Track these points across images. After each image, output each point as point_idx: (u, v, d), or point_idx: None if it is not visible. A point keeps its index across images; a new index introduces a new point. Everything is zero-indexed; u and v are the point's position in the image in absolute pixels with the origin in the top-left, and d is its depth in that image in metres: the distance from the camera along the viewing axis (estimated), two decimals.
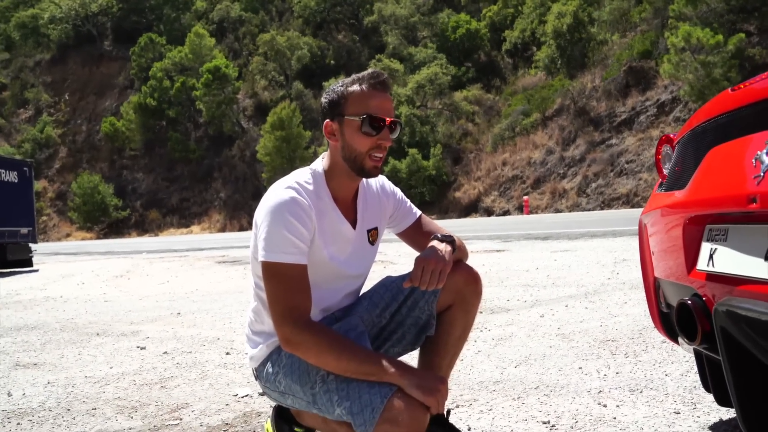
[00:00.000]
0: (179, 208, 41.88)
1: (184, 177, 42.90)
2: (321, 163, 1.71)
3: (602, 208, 22.89)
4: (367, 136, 1.60)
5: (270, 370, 1.67)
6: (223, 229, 37.24)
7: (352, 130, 1.60)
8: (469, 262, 1.42)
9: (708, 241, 1.48)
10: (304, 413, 1.70)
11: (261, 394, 2.63)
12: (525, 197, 25.59)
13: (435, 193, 29.96)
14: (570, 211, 23.79)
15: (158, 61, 43.84)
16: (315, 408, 1.57)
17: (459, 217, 27.84)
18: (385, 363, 1.47)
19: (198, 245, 18.41)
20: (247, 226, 38.06)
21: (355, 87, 1.61)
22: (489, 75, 36.67)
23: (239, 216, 37.66)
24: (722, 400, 1.68)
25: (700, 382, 1.98)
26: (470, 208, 28.61)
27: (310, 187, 1.64)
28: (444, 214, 28.68)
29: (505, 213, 26.66)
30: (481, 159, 30.21)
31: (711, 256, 1.44)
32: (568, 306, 4.15)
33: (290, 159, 33.87)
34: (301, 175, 1.67)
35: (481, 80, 36.17)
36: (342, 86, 1.63)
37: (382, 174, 1.82)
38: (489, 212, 27.46)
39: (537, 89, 30.62)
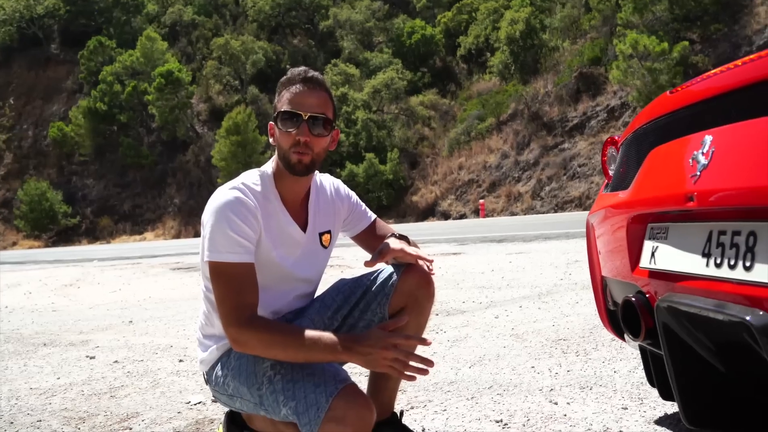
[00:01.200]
0: (132, 214, 40.91)
1: (137, 183, 41.93)
2: (270, 165, 1.70)
3: (556, 211, 23.33)
4: (287, 132, 1.59)
5: (219, 373, 1.65)
6: (177, 236, 36.52)
7: (278, 128, 1.61)
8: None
9: (650, 239, 1.52)
10: (254, 417, 1.68)
11: (214, 401, 2.59)
12: (481, 201, 25.88)
13: (392, 198, 30.05)
14: (525, 214, 24.17)
15: (108, 65, 42.74)
16: (262, 410, 1.56)
17: (416, 221, 27.98)
18: (332, 345, 1.45)
19: (151, 252, 18.01)
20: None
21: (282, 87, 1.63)
22: (444, 80, 37.03)
23: (194, 222, 36.95)
24: (666, 395, 1.73)
25: (646, 378, 2.03)
26: (427, 212, 28.79)
27: (258, 188, 1.63)
28: (401, 218, 28.79)
29: (462, 216, 26.92)
30: (437, 163, 30.45)
31: (653, 254, 1.48)
32: (522, 307, 4.22)
33: (246, 164, 33.42)
34: (249, 177, 1.66)
35: (437, 85, 36.48)
36: (278, 87, 1.65)
37: (338, 178, 1.82)
38: (446, 216, 27.68)
39: (491, 94, 31.05)
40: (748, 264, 1.14)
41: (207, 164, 37.66)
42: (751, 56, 1.24)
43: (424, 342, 1.52)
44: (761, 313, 1.08)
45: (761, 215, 1.14)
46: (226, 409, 1.81)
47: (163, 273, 10.08)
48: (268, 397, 1.53)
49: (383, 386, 1.83)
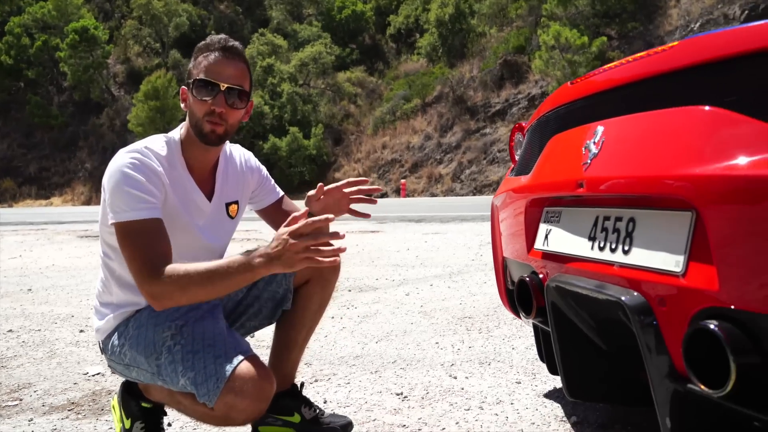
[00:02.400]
0: (38, 177, 38.67)
1: (45, 144, 39.61)
2: (178, 131, 1.66)
3: (474, 194, 23.90)
4: (201, 101, 1.55)
5: (116, 342, 1.61)
6: (87, 202, 34.91)
7: (192, 94, 1.57)
8: (344, 242, 1.45)
9: (545, 222, 1.60)
10: (151, 387, 1.66)
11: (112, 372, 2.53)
12: (402, 180, 26.16)
13: (315, 173, 29.85)
14: (445, 196, 24.64)
15: (16, 16, 39.96)
16: (159, 380, 1.54)
17: None
18: (246, 265, 1.40)
19: (58, 218, 17.16)
20: None
21: (202, 52, 1.58)
22: (372, 58, 36.94)
23: None
24: (553, 369, 1.83)
25: (537, 354, 2.14)
26: None
27: (163, 154, 1.59)
28: None
29: (383, 195, 27.10)
30: (361, 141, 30.48)
31: (546, 236, 1.56)
32: (432, 285, 4.32)
33: (165, 131, 31.20)
34: (154, 142, 1.61)
35: (365, 63, 36.37)
36: (195, 52, 1.61)
37: (260, 151, 1.79)
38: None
39: (418, 75, 31.27)
40: (626, 248, 1.23)
41: (123, 129, 36.08)
42: (641, 53, 1.31)
43: (329, 220, 1.38)
44: (635, 293, 1.17)
45: (640, 203, 1.22)
46: (121, 382, 1.78)
47: (70, 240, 9.63)
48: (166, 367, 1.51)
49: (285, 358, 1.84)
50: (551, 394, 2.06)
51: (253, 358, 1.50)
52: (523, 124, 2.05)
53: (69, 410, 2.12)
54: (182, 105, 1.63)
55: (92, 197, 35.55)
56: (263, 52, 34.02)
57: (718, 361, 0.96)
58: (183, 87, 1.61)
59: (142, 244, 1.46)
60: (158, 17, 39.52)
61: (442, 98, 28.78)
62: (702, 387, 1.00)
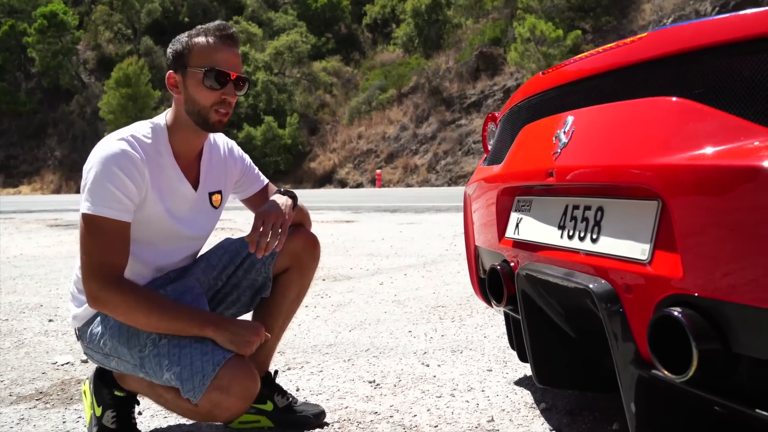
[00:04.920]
0: (5, 166, 37.85)
1: (12, 132, 38.75)
2: (164, 117, 1.64)
3: (449, 185, 24.01)
4: (211, 90, 1.54)
5: (96, 330, 1.59)
6: (57, 191, 34.30)
7: (196, 82, 1.54)
8: (318, 231, 1.45)
9: (516, 211, 1.61)
10: (128, 377, 1.64)
11: (84, 361, 2.50)
12: (378, 171, 26.16)
13: (290, 163, 29.73)
14: (420, 186, 24.71)
15: None
16: (142, 372, 1.53)
17: (313, 187, 27.87)
18: (199, 318, 1.47)
19: (27, 207, 16.85)
20: None
21: (201, 38, 1.55)
22: (348, 48, 36.78)
23: (76, 177, 34.72)
24: (523, 357, 1.86)
25: (508, 342, 2.16)
26: (325, 179, 28.75)
27: (148, 141, 1.57)
28: (299, 183, 28.57)
29: (359, 185, 27.11)
30: (337, 131, 30.40)
31: (517, 225, 1.58)
32: (407, 275, 4.34)
33: (137, 119, 31.17)
34: (140, 128, 1.59)
35: (341, 52, 36.20)
36: (187, 37, 1.57)
37: (234, 140, 1.78)
38: (343, 184, 27.77)
39: (394, 66, 31.23)
40: (594, 236, 1.25)
41: (93, 116, 35.48)
42: (612, 44, 1.33)
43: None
44: (603, 281, 1.19)
45: (608, 192, 1.24)
46: (94, 369, 1.75)
47: (39, 229, 9.46)
48: (150, 360, 1.50)
49: (261, 345, 1.83)
50: (521, 382, 2.09)
51: (239, 356, 1.51)
52: (496, 114, 2.06)
53: (37, 399, 2.09)
54: (172, 91, 1.59)
55: (62, 186, 34.95)
56: None
57: (682, 348, 0.99)
58: (170, 72, 1.58)
59: (103, 244, 1.47)
60: (130, 3, 38.85)
61: (417, 89, 28.80)
62: (665, 372, 1.02)
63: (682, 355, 0.98)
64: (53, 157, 37.14)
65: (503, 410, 1.84)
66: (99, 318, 1.60)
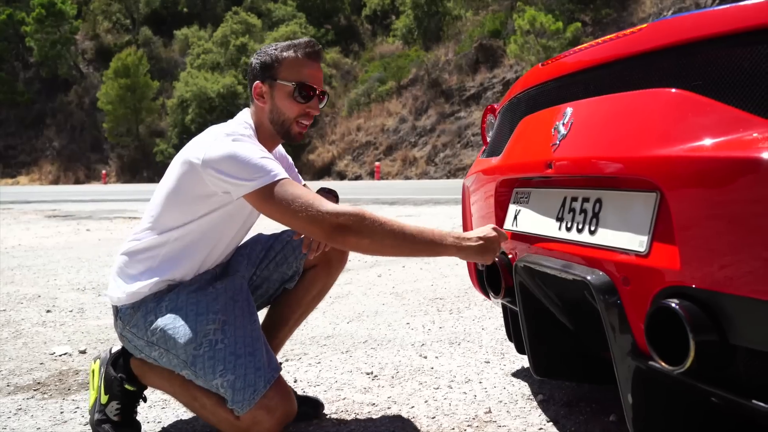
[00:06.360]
0: (4, 156, 37.74)
1: (10, 122, 38.62)
2: (250, 120, 1.67)
3: (448, 177, 23.99)
4: (297, 103, 1.61)
5: (149, 316, 1.57)
6: (56, 182, 34.24)
7: (283, 94, 1.61)
8: None
9: (514, 203, 1.61)
10: (152, 374, 1.64)
11: (81, 352, 2.50)
12: (377, 163, 26.12)
13: (289, 154, 29.64)
14: (419, 179, 24.69)
15: None
16: (188, 369, 1.53)
17: (312, 179, 27.82)
18: (438, 234, 1.47)
19: (25, 197, 16.82)
20: (84, 179, 35.22)
21: (290, 53, 1.62)
22: (348, 39, 36.65)
23: (75, 168, 34.81)
24: (520, 349, 1.86)
25: (506, 334, 2.16)
26: (324, 171, 28.72)
27: (249, 138, 1.60)
28: None
29: (358, 178, 27.08)
30: (336, 123, 30.32)
31: (515, 217, 1.58)
32: (404, 267, 4.34)
33: (135, 110, 31.81)
34: (242, 130, 1.59)
35: (340, 44, 36.06)
36: (276, 50, 1.64)
37: None
38: (342, 176, 27.75)
39: (394, 58, 31.12)
40: (593, 228, 1.24)
41: (92, 107, 35.38)
42: (611, 35, 1.32)
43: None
44: (600, 273, 1.19)
45: (607, 184, 1.24)
46: (107, 353, 1.74)
47: (37, 220, 9.45)
48: (204, 360, 1.50)
49: (273, 335, 1.84)
50: (519, 373, 2.09)
51: (282, 379, 1.56)
52: (495, 106, 2.06)
53: (35, 390, 2.09)
54: (257, 100, 1.64)
55: (60, 176, 34.89)
56: (237, 30, 33.52)
57: (679, 339, 0.99)
58: (258, 82, 1.63)
59: (304, 191, 1.48)
60: None
61: (417, 81, 28.72)
62: (662, 364, 1.02)
63: (679, 347, 0.99)
64: (51, 148, 37.03)
65: (501, 402, 1.84)
66: (154, 304, 1.58)
